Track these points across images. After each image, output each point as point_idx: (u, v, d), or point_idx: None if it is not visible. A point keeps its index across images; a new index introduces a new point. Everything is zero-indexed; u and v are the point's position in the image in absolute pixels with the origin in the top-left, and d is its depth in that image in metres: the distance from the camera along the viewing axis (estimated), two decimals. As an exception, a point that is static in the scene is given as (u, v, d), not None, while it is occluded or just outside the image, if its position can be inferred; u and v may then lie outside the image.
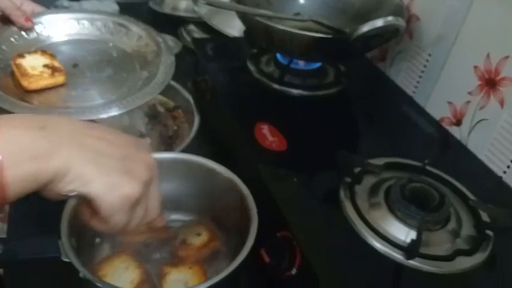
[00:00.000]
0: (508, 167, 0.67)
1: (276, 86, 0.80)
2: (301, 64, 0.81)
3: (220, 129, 0.79)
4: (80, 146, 0.36)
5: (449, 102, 0.76)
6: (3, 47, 0.68)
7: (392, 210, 0.56)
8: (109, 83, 0.66)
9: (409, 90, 0.85)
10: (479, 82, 0.70)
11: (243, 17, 0.76)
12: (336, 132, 0.74)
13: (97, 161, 0.36)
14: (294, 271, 0.53)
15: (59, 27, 0.73)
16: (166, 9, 1.17)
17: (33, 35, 0.71)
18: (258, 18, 0.70)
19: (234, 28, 0.99)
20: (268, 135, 0.68)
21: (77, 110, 0.59)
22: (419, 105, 0.82)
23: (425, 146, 0.74)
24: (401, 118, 0.81)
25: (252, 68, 0.84)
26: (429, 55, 0.80)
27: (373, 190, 0.60)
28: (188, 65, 0.93)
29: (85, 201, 0.37)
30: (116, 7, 1.14)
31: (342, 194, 0.59)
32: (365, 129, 0.79)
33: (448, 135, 0.76)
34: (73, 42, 0.72)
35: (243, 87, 0.83)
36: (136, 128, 0.79)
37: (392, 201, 0.57)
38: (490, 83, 0.68)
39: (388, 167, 0.64)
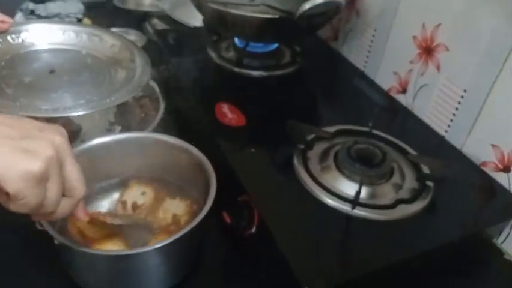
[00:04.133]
0: (449, 126, 0.73)
1: (235, 69, 0.85)
2: (258, 46, 0.86)
3: (184, 114, 0.83)
4: None
5: (395, 73, 0.82)
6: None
7: (340, 170, 0.62)
8: (87, 86, 0.69)
9: (360, 65, 0.91)
10: (418, 51, 0.76)
11: (198, 5, 0.80)
12: (292, 108, 0.79)
13: None
14: (254, 229, 0.58)
15: (44, 36, 0.75)
16: (131, 5, 1.20)
17: (18, 40, 0.74)
18: (210, 4, 0.75)
19: (195, 19, 1.04)
20: (227, 113, 0.73)
21: (54, 110, 0.61)
22: (370, 78, 0.88)
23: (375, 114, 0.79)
24: (354, 91, 0.87)
25: (212, 54, 0.89)
26: (375, 30, 0.86)
27: (324, 155, 0.66)
28: (153, 56, 0.97)
29: None
30: (81, 6, 1.17)
31: (295, 160, 0.64)
32: (319, 103, 0.85)
33: (395, 102, 0.82)
34: (54, 51, 0.75)
35: (205, 73, 0.88)
36: (105, 118, 0.83)
37: (340, 162, 0.62)
38: (427, 50, 0.75)
39: (338, 133, 0.70)
